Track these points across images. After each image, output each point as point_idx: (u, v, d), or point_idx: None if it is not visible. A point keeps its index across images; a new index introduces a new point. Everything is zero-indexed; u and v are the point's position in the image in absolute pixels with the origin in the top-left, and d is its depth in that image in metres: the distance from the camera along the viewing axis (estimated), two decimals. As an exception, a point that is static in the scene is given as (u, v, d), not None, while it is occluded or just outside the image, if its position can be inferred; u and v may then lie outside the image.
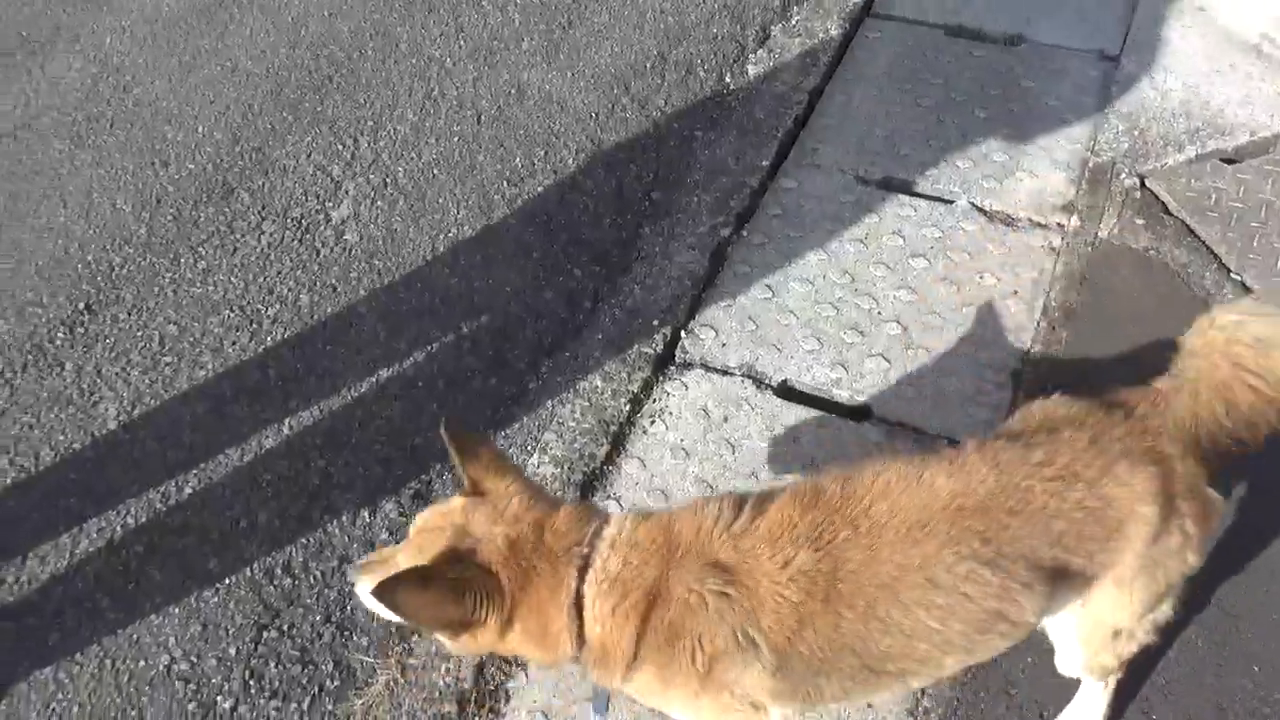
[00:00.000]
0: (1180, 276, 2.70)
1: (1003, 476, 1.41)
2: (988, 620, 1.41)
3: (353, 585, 1.60)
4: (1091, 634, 1.62)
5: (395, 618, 1.42)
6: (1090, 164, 3.01)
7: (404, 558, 1.49)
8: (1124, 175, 2.95)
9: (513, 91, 3.45)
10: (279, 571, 2.33)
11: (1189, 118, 3.10)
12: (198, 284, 2.93)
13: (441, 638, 1.49)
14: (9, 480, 2.51)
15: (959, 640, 1.42)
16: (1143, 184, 2.93)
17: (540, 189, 3.14)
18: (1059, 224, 2.89)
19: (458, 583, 1.40)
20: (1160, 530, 1.46)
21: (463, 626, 1.44)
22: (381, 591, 1.33)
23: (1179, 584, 1.60)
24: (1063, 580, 1.46)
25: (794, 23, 3.63)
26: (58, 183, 3.24)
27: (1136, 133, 3.07)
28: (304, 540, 2.38)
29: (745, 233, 2.95)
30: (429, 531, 1.49)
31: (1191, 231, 2.80)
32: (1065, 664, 1.77)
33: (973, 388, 2.52)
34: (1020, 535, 1.39)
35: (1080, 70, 3.35)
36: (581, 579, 1.44)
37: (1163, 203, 2.88)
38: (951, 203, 2.98)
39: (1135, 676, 1.97)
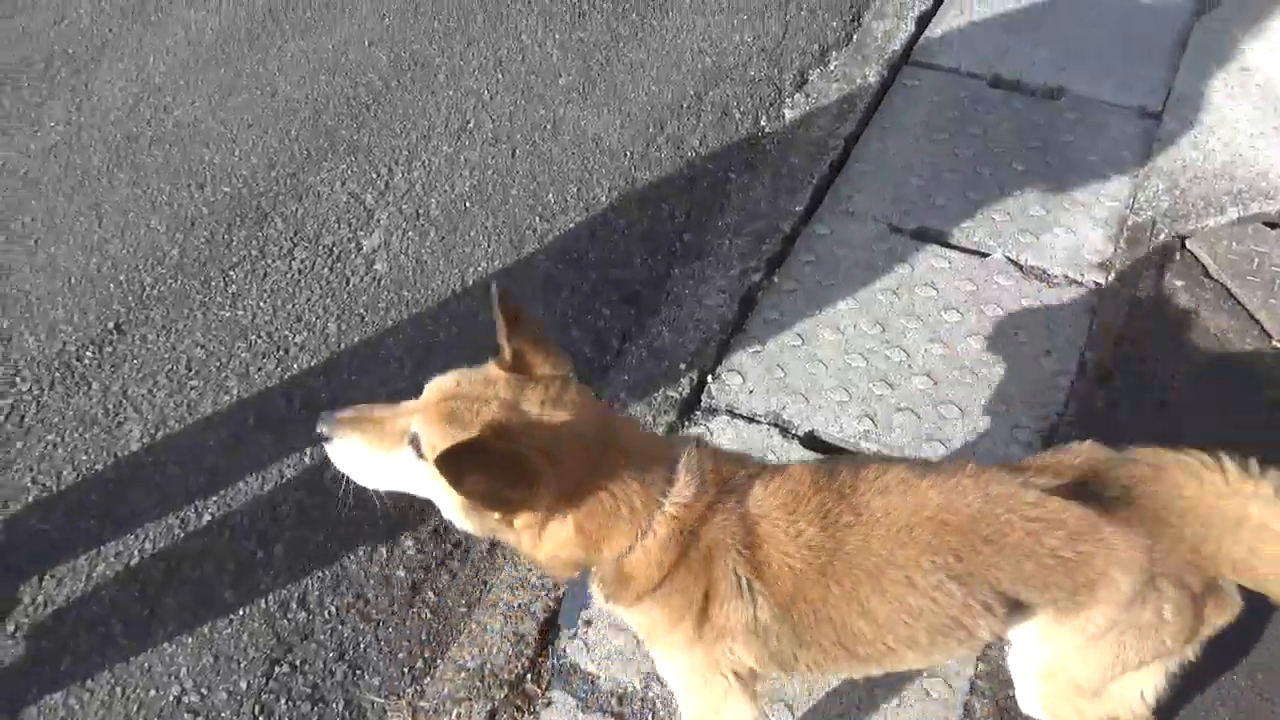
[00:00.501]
0: (1219, 341, 2.65)
1: (987, 505, 1.47)
2: (948, 627, 1.49)
3: (325, 439, 1.51)
4: (1050, 674, 1.64)
5: (386, 484, 1.47)
6: (1129, 222, 2.97)
7: (425, 422, 1.41)
8: (1164, 235, 2.91)
9: (548, 126, 3.46)
10: (294, 605, 2.31)
11: (1232, 179, 3.06)
12: (227, 308, 2.93)
13: (467, 515, 1.43)
14: (30, 498, 2.51)
15: (922, 639, 1.50)
16: (1183, 245, 2.89)
17: (572, 225, 3.14)
18: (1096, 282, 2.84)
19: (521, 461, 1.34)
20: (1133, 602, 1.48)
21: (511, 506, 1.40)
22: (448, 458, 1.28)
23: (1159, 665, 1.58)
24: (1023, 612, 1.52)
25: (832, 68, 3.63)
26: (95, 200, 3.27)
27: (1177, 192, 3.03)
28: (320, 574, 2.36)
29: (776, 278, 2.92)
30: (463, 399, 1.41)
31: (1232, 296, 2.75)
32: (1022, 699, 1.78)
33: (1003, 447, 2.47)
34: (989, 563, 1.45)
35: (1121, 126, 3.32)
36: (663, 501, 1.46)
37: (1203, 265, 2.84)
38: (986, 256, 2.95)
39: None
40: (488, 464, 1.33)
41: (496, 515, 1.42)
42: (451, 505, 1.45)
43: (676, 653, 1.59)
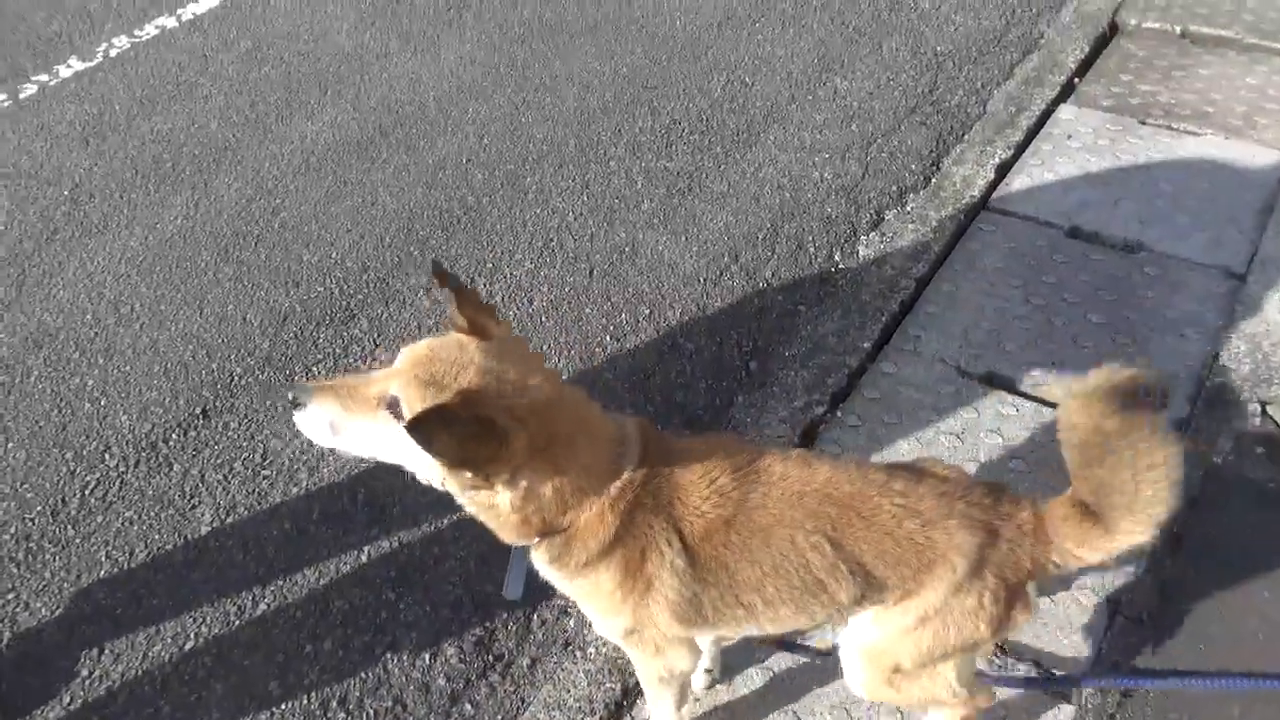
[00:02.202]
0: (1301, 515, 2.54)
1: (865, 486, 1.68)
2: (816, 586, 1.67)
3: (296, 405, 1.56)
4: (876, 655, 1.80)
5: (359, 449, 1.58)
6: (1208, 384, 2.91)
7: (405, 386, 1.48)
8: (1244, 399, 2.83)
9: (627, 249, 3.59)
10: (334, 704, 2.33)
11: (1318, 346, 2.98)
12: (307, 402, 3.06)
13: (447, 474, 1.51)
14: (102, 573, 2.62)
15: (794, 595, 1.69)
16: (1264, 411, 2.81)
17: (641, 346, 3.22)
18: (1170, 442, 2.77)
19: (490, 424, 1.44)
20: (963, 584, 1.67)
21: (481, 466, 1.49)
22: (417, 424, 1.38)
23: (964, 655, 1.78)
24: (877, 587, 1.70)
25: (909, 209, 3.70)
26: (200, 292, 3.49)
27: (1260, 356, 2.96)
28: (363, 675, 2.39)
29: (839, 413, 2.93)
30: (441, 363, 1.49)
31: (1316, 467, 2.65)
32: (848, 678, 1.90)
33: (1065, 610, 2.39)
34: (859, 536, 1.66)
35: (1202, 284, 3.28)
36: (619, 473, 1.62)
37: (1285, 433, 2.75)
38: (1056, 406, 2.90)
39: None
40: (455, 427, 1.41)
41: (470, 475, 1.50)
42: (429, 466, 1.52)
43: (615, 615, 1.72)
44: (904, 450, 2.80)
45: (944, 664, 1.79)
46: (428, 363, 1.50)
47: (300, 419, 1.59)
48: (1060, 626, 2.35)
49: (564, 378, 3.09)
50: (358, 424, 1.55)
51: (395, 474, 2.84)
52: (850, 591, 1.68)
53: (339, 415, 1.56)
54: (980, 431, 2.85)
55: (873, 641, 1.79)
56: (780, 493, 1.66)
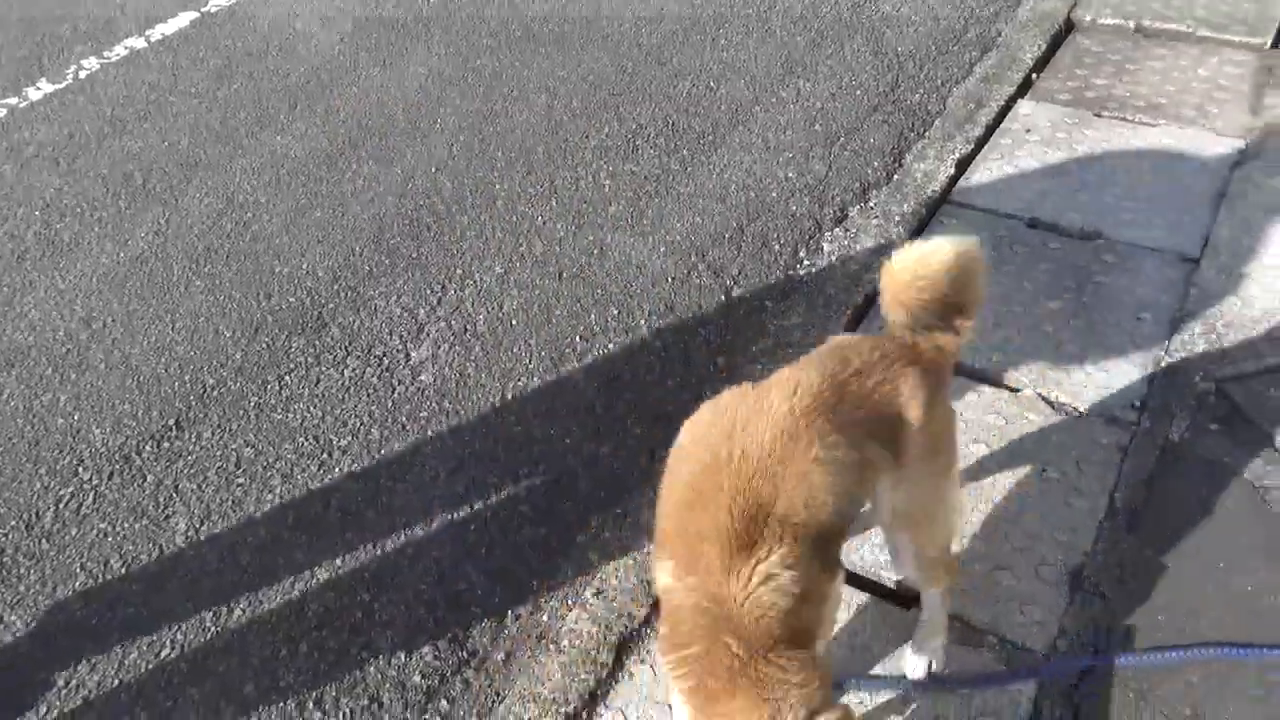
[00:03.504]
0: (1256, 489, 2.60)
1: (824, 379, 1.81)
2: (857, 465, 1.77)
3: None
4: (906, 515, 1.97)
5: None
6: (1163, 364, 2.97)
7: None
8: (1199, 379, 2.90)
9: (595, 252, 3.64)
10: (310, 705, 2.35)
11: (1270, 325, 3.05)
12: (279, 410, 3.09)
13: None
14: (77, 585, 2.63)
15: (852, 486, 1.78)
16: (1218, 390, 2.87)
17: (611, 346, 3.26)
18: (1129, 422, 2.83)
19: None
20: (933, 402, 1.89)
21: None
22: None
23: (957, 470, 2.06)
24: (889, 444, 1.84)
25: (872, 205, 3.76)
26: (171, 305, 3.52)
27: (1214, 336, 3.03)
28: (339, 675, 2.41)
29: (806, 405, 2.97)
30: None
31: (1270, 442, 2.71)
32: (895, 564, 2.14)
33: (1028, 586, 2.43)
34: (849, 413, 1.79)
35: (1158, 269, 3.35)
36: None
37: (1240, 411, 2.81)
38: (1017, 391, 2.96)
39: None
40: None
41: None
42: None
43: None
44: (869, 439, 2.85)
45: (948, 494, 2.04)
46: None
47: None
48: (1024, 602, 2.40)
49: (535, 380, 3.15)
50: None
51: (368, 479, 2.88)
52: (880, 456, 1.83)
53: None
54: (944, 418, 2.89)
55: (898, 504, 1.94)
56: (763, 440, 1.70)
